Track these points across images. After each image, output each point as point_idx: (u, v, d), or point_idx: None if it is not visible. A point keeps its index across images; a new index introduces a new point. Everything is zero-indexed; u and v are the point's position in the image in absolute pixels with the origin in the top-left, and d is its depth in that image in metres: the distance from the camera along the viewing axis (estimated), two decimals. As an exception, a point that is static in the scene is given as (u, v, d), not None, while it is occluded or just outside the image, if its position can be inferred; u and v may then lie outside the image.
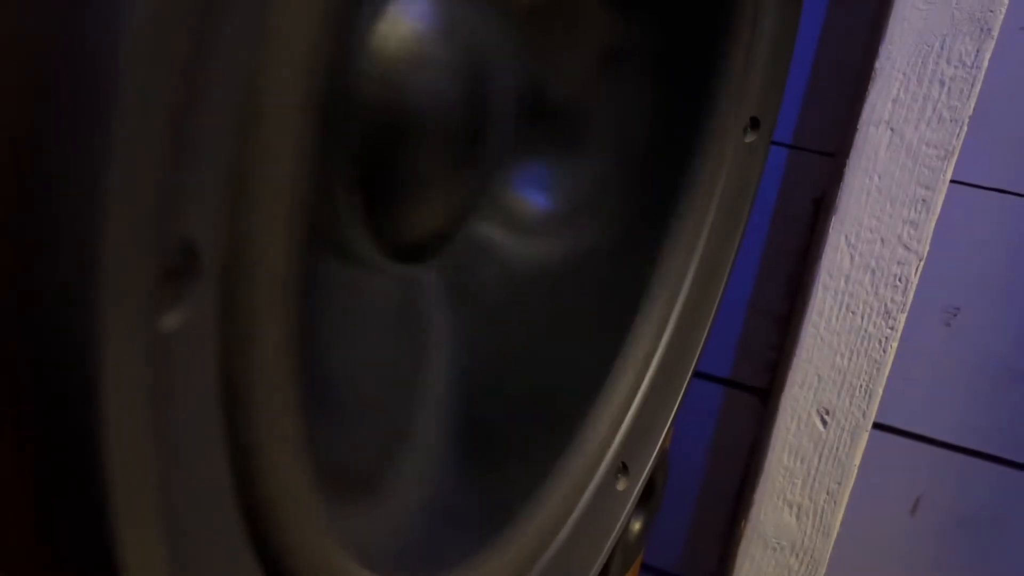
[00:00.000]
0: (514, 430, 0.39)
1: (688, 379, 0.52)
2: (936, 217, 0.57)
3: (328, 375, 0.31)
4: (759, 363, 0.75)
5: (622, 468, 0.46)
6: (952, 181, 0.63)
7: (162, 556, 0.15)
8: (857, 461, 0.64)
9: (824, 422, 0.63)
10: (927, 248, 0.58)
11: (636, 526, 0.57)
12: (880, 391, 0.62)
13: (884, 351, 0.60)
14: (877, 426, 0.69)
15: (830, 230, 0.59)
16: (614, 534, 0.44)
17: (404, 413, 0.35)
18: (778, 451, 0.65)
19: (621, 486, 0.45)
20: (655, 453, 0.48)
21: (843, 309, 0.60)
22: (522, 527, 0.35)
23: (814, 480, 0.65)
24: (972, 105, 0.55)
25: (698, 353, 0.52)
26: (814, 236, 0.67)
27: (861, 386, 0.62)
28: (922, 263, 0.58)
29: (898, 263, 0.58)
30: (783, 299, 0.71)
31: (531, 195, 0.42)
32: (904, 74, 0.55)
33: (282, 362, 0.18)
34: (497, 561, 0.33)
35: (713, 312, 0.53)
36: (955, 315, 0.67)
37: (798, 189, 0.70)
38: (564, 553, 0.39)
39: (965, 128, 0.55)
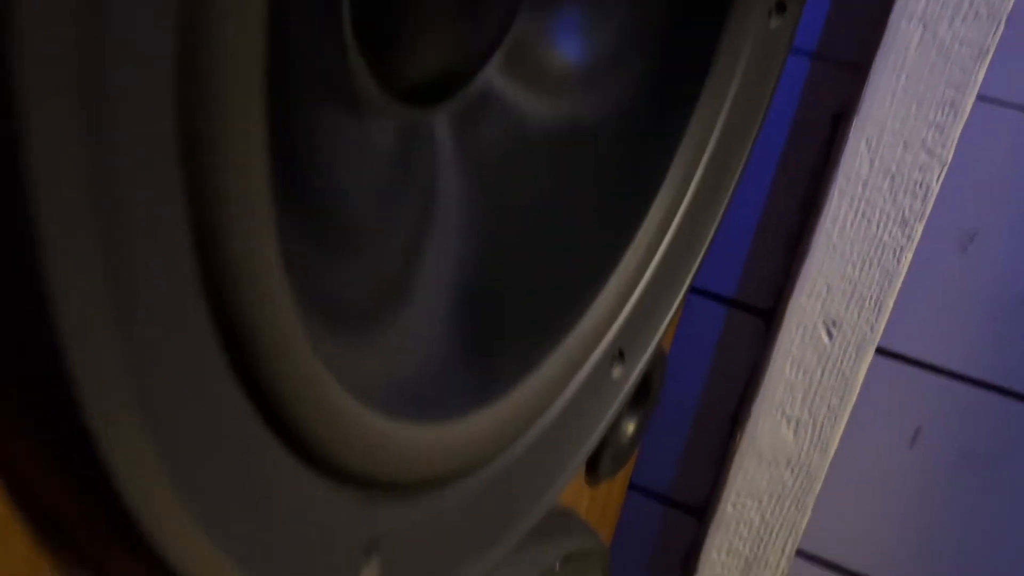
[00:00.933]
0: (514, 296, 0.37)
1: (692, 274, 0.50)
2: (964, 121, 0.54)
3: (324, 212, 0.29)
4: (765, 284, 0.73)
5: (619, 355, 0.44)
6: (978, 97, 0.60)
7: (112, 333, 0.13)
8: (861, 376, 0.62)
9: (830, 334, 0.61)
10: (951, 154, 0.56)
11: (629, 428, 0.56)
12: (891, 304, 0.60)
13: (898, 262, 0.58)
14: (881, 352, 0.67)
15: (850, 133, 0.57)
16: (605, 420, 0.42)
17: (403, 263, 0.33)
18: (780, 363, 0.63)
19: (616, 373, 0.44)
20: (653, 344, 0.46)
21: (858, 216, 0.58)
22: (513, 393, 0.33)
23: (815, 394, 0.64)
24: (1012, 1, 0.51)
25: (705, 246, 0.50)
26: (831, 153, 0.65)
27: (871, 298, 0.60)
28: (945, 169, 0.56)
29: (920, 169, 0.55)
30: (794, 219, 0.69)
31: (550, 51, 0.40)
32: (941, -33, 0.52)
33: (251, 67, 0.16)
34: (484, 421, 0.31)
35: (724, 205, 0.51)
36: (972, 240, 0.64)
37: (818, 103, 0.67)
38: (553, 431, 0.38)
39: (1003, 26, 0.52)
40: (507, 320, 0.36)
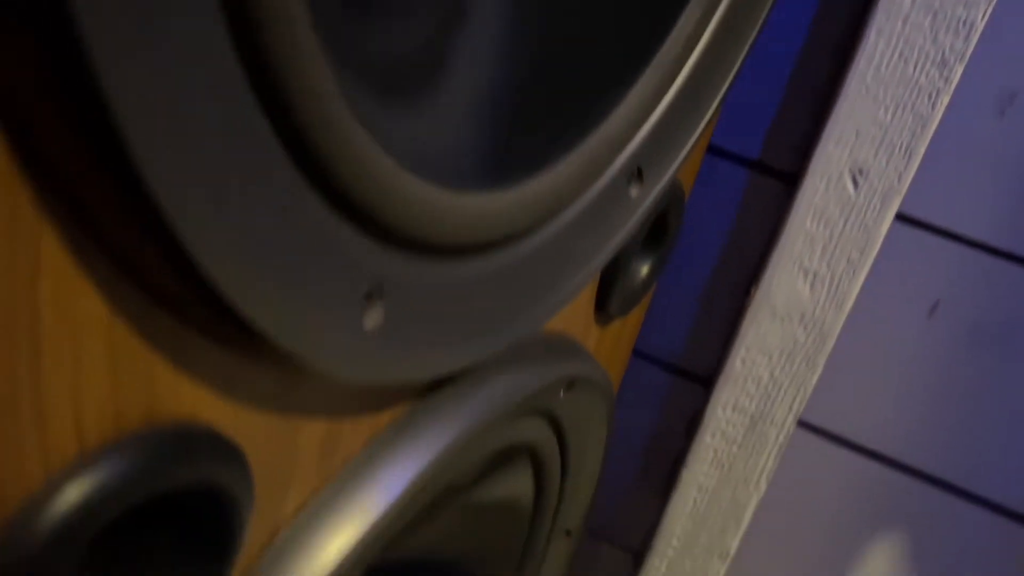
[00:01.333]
0: (537, 93, 0.36)
1: (716, 103, 0.48)
2: (1016, -48, 0.51)
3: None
4: (789, 146, 0.70)
5: (637, 174, 0.42)
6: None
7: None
8: (884, 229, 0.60)
9: (855, 183, 0.59)
10: (1000, -11, 0.52)
11: (643, 269, 0.55)
12: (921, 152, 0.57)
13: (933, 107, 0.55)
14: (904, 218, 0.65)
15: (894, -34, 0.54)
16: (620, 235, 0.41)
17: (435, 42, 0.32)
18: (801, 214, 0.62)
19: (634, 192, 0.42)
20: (673, 169, 0.45)
21: (895, 56, 0.55)
22: (529, 183, 0.32)
23: (835, 247, 0.62)
24: None
25: (732, 75, 0.48)
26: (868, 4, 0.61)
27: (901, 144, 0.57)
28: (991, 7, 0.53)
29: (964, 5, 0.52)
30: (823, 81, 0.66)
31: None
32: None
33: None
34: (496, 202, 0.30)
35: (754, 32, 0.49)
36: (1011, 102, 0.61)
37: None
38: (567, 234, 0.37)
39: None
40: (530, 114, 0.35)
